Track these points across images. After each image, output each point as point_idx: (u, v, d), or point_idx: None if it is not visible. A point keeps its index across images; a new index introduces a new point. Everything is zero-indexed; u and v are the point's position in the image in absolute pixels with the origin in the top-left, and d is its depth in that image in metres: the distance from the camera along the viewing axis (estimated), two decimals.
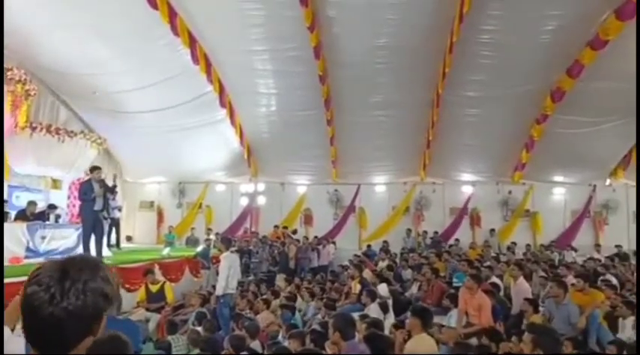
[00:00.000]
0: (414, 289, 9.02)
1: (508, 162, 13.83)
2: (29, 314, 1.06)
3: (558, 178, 14.29)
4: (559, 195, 14.57)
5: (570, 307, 5.60)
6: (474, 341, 5.35)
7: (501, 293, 7.80)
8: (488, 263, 9.81)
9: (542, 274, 8.73)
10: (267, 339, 5.98)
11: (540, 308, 6.20)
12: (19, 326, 2.55)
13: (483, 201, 14.69)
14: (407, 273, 10.33)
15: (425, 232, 14.74)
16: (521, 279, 7.34)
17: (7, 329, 2.02)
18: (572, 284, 6.50)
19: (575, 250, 13.28)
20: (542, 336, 3.22)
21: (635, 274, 9.16)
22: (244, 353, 4.85)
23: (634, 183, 13.45)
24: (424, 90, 11.42)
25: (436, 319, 6.36)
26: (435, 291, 7.82)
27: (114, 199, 10.43)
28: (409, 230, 14.80)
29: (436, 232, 14.59)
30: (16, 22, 9.09)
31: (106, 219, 9.10)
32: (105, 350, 1.46)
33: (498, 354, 4.60)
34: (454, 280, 8.62)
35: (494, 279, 8.19)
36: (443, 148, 13.24)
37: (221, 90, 11.92)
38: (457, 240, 14.21)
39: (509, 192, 14.61)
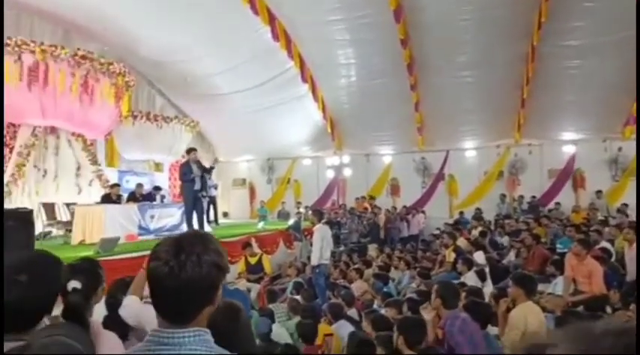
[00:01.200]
0: (511, 256, 8.61)
1: (616, 117, 12.44)
2: (154, 287, 1.17)
3: None
4: None
5: None
6: (580, 309, 5.02)
7: (613, 258, 7.19)
8: (596, 227, 9.03)
9: None
10: (363, 307, 6.09)
11: None
12: (145, 293, 2.84)
13: (588, 161, 13.42)
14: (503, 240, 9.87)
15: (521, 197, 13.90)
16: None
17: (137, 299, 2.25)
18: None
19: None
20: None
21: None
22: (342, 320, 4.99)
23: None
24: (516, 44, 10.56)
25: (540, 286, 6.02)
26: (537, 258, 7.39)
27: (210, 178, 11.09)
28: (503, 195, 14.04)
29: (534, 197, 13.69)
30: (111, 17, 9.86)
31: (204, 197, 9.71)
32: (224, 317, 1.57)
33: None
34: (558, 246, 8.07)
35: (604, 244, 7.55)
36: (540, 106, 12.23)
37: (302, 66, 12.03)
38: (558, 203, 13.23)
39: (619, 150, 13.18)
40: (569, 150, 13.69)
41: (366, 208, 14.27)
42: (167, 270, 1.11)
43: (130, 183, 11.55)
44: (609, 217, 11.48)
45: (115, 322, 2.22)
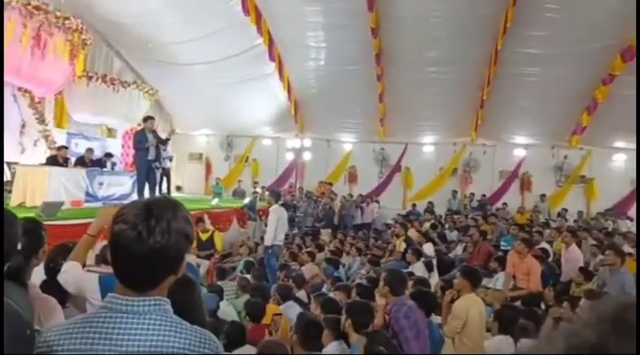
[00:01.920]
0: (458, 250, 8.95)
1: (566, 126, 13.09)
2: (117, 252, 1.11)
3: (620, 144, 13.42)
4: (619, 161, 13.72)
5: (626, 276, 5.37)
6: (518, 305, 5.29)
7: (550, 259, 7.62)
8: (537, 228, 9.53)
9: (593, 242, 8.40)
10: (312, 290, 6.15)
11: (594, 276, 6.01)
12: (88, 262, 2.72)
13: (536, 166, 14.11)
14: (452, 235, 10.23)
15: (472, 194, 14.44)
16: (574, 246, 7.11)
17: (78, 265, 2.15)
18: (629, 254, 6.23)
19: (632, 219, 12.63)
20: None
21: None
22: (291, 301, 5.02)
23: None
24: (482, 46, 10.82)
25: (483, 281, 6.32)
26: (482, 253, 7.73)
27: (165, 150, 10.76)
28: (455, 191, 14.52)
29: (484, 195, 14.26)
30: None
31: (157, 168, 9.42)
32: (181, 288, 1.52)
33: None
34: (502, 243, 8.47)
35: (544, 245, 7.99)
36: (497, 108, 12.65)
37: (270, 43, 11.78)
38: (505, 204, 13.85)
39: (565, 157, 13.93)
40: (519, 153, 14.32)
41: (323, 193, 14.36)
42: (134, 235, 1.06)
43: (79, 147, 10.99)
44: (550, 220, 12.13)
45: (52, 288, 2.12)
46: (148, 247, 1.06)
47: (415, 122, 14.07)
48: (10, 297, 0.91)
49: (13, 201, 7.35)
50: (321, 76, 13.05)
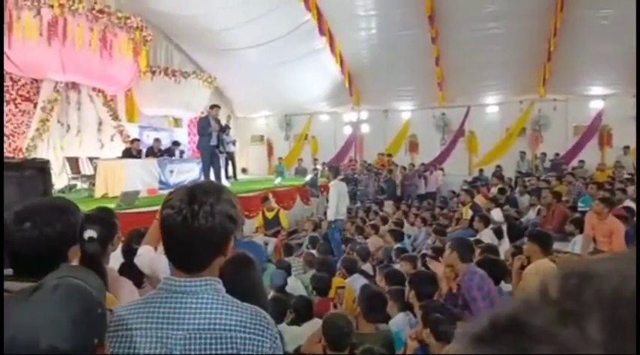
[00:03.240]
0: (531, 214, 8.53)
1: None
2: (166, 236, 1.18)
3: None
4: None
5: None
6: None
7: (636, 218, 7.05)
8: (620, 185, 8.82)
9: None
10: (378, 262, 6.18)
11: None
12: (160, 247, 2.92)
13: (616, 117, 12.93)
14: (524, 199, 9.75)
15: (543, 154, 13.59)
16: None
17: (151, 248, 2.31)
18: None
19: None
20: None
21: None
22: (356, 274, 5.09)
23: None
24: None
25: (558, 245, 6.00)
26: (557, 216, 7.29)
27: (227, 135, 11.12)
28: (523, 152, 13.75)
29: (557, 154, 13.37)
30: None
31: (221, 153, 9.79)
32: (234, 267, 1.60)
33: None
34: (579, 204, 7.94)
35: (628, 203, 7.39)
36: (567, 59, 11.68)
37: (319, 18, 11.66)
38: (582, 161, 12.89)
39: None
40: (596, 105, 13.21)
41: (383, 165, 14.21)
42: (180, 219, 1.12)
43: (150, 138, 11.66)
44: (635, 176, 11.17)
45: (130, 270, 2.29)
46: (192, 230, 1.11)
47: (476, 83, 13.39)
48: (83, 279, 1.01)
49: (97, 192, 8.02)
50: (373, 46, 12.75)
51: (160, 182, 8.82)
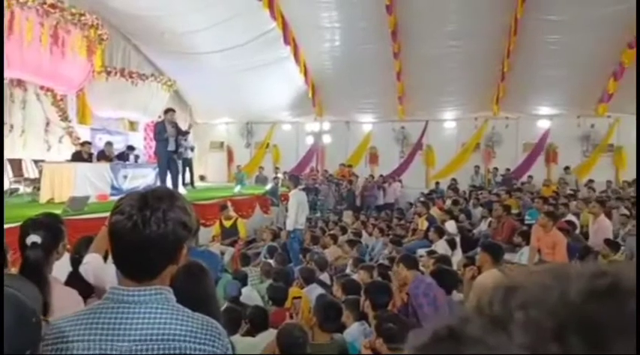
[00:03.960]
0: (482, 226, 8.85)
1: (592, 94, 12.63)
2: (115, 242, 1.13)
3: None
4: None
5: None
6: None
7: (577, 231, 7.46)
8: (563, 200, 9.31)
9: (625, 212, 8.16)
10: (336, 272, 6.21)
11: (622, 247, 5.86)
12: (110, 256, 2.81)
13: (561, 136, 13.71)
14: (477, 211, 10.10)
15: (495, 169, 14.17)
16: (602, 217, 6.93)
17: (98, 256, 2.21)
18: None
19: None
20: None
21: None
22: (314, 284, 5.08)
23: None
24: (501, 15, 10.47)
25: (507, 256, 6.22)
26: (506, 228, 7.61)
27: (186, 140, 10.90)
28: (477, 167, 14.29)
29: (508, 169, 13.97)
30: None
31: (179, 159, 9.59)
32: (186, 276, 1.56)
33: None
34: (527, 217, 8.32)
35: (571, 217, 7.81)
36: (519, 80, 12.28)
37: (284, 27, 11.69)
38: (530, 177, 13.54)
39: (592, 126, 13.49)
40: (543, 124, 13.94)
41: (344, 175, 14.35)
42: (130, 225, 1.08)
43: (102, 142, 11.24)
44: (577, 191, 11.83)
45: (78, 279, 2.19)
46: (143, 237, 1.08)
47: (435, 98, 13.82)
48: (17, 289, 0.96)
49: (42, 197, 7.61)
50: (336, 57, 12.91)
51: (112, 187, 8.50)
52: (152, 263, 1.13)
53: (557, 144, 13.83)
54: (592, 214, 7.16)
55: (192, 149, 12.72)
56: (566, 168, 13.35)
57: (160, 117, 12.50)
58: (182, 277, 1.42)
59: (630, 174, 12.98)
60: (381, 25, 11.01)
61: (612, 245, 5.74)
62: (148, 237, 1.08)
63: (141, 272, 1.13)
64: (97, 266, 2.12)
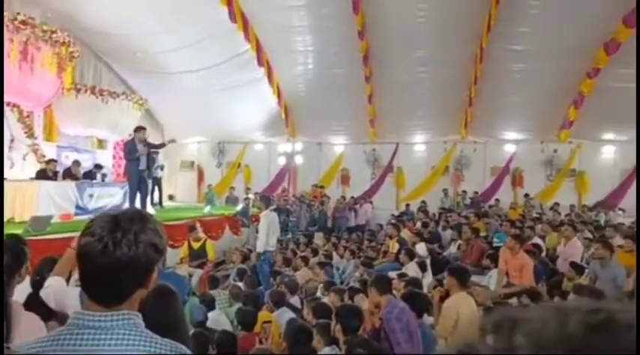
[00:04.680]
0: (452, 249, 8.97)
1: (554, 120, 13.18)
2: (84, 264, 1.10)
3: (608, 136, 13.55)
4: (608, 153, 13.85)
5: (617, 268, 5.40)
6: (513, 301, 5.31)
7: (543, 253, 7.66)
8: (529, 223, 9.58)
9: (588, 235, 8.45)
10: (306, 295, 6.15)
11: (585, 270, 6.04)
12: (74, 278, 2.71)
13: (526, 161, 14.20)
14: (446, 234, 10.25)
15: (464, 192, 14.49)
16: (575, 239, 7.14)
17: (61, 279, 2.14)
18: (620, 246, 6.27)
19: (623, 211, 12.74)
20: (588, 298, 3.14)
21: None
22: (284, 307, 5.02)
23: None
24: (468, 44, 10.89)
25: (475, 279, 6.34)
26: (475, 251, 7.74)
27: (156, 159, 10.73)
28: (446, 190, 14.58)
29: (476, 192, 14.31)
30: None
31: (149, 177, 9.40)
32: (155, 301, 1.52)
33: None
34: (494, 240, 8.49)
35: (537, 240, 8.03)
36: (486, 106, 12.73)
37: (258, 49, 11.80)
38: (497, 200, 13.90)
39: (555, 151, 14.03)
40: (509, 149, 14.41)
41: (316, 197, 14.37)
42: (100, 247, 1.06)
43: (69, 160, 10.94)
44: (543, 214, 12.19)
45: (38, 302, 2.10)
46: (114, 259, 1.05)
47: (405, 122, 14.13)
48: None
49: None
50: (310, 80, 13.09)
51: (77, 207, 8.25)
52: (122, 286, 1.10)
53: (522, 168, 14.29)
54: (564, 237, 7.38)
55: (161, 168, 12.51)
56: (526, 195, 13.78)
57: (130, 135, 12.30)
58: (151, 301, 1.39)
59: (592, 199, 13.54)
60: (353, 49, 11.26)
61: (577, 268, 5.90)
62: (119, 259, 1.06)
63: (109, 296, 1.10)
64: (60, 290, 2.04)
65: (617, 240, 6.96)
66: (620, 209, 12.90)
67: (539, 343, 0.40)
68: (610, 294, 4.93)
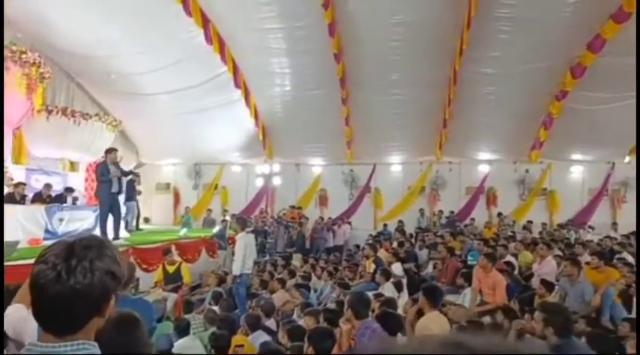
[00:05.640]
0: (429, 268, 9.02)
1: (525, 141, 13.58)
2: (36, 293, 1.07)
3: (576, 156, 14.01)
4: (577, 173, 14.30)
5: (584, 285, 5.54)
6: (487, 319, 5.35)
7: (516, 271, 7.77)
8: (503, 242, 9.73)
9: (558, 253, 8.63)
10: (283, 318, 6.07)
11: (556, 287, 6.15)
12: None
13: (500, 181, 14.52)
14: (423, 253, 10.32)
15: (440, 212, 14.67)
16: (550, 258, 7.28)
17: (22, 307, 2.07)
18: (588, 263, 6.43)
19: (592, 228, 13.10)
20: (553, 315, 3.19)
21: None
22: (259, 331, 4.94)
23: None
24: (441, 67, 11.19)
25: (451, 298, 6.39)
26: (450, 270, 7.81)
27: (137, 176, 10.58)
28: (422, 209, 14.74)
29: (452, 212, 14.50)
30: (29, 3, 9.15)
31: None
32: (115, 329, 1.49)
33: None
34: (469, 258, 8.59)
35: (509, 258, 8.15)
36: (460, 127, 13.02)
37: (235, 71, 11.88)
38: (472, 219, 14.12)
39: (527, 171, 14.40)
40: (484, 169, 14.72)
41: (294, 218, 14.31)
42: (54, 275, 1.03)
43: (39, 183, 10.65)
44: (515, 233, 12.41)
45: None
46: (67, 288, 1.03)
47: (381, 143, 14.32)
48: None
49: None
50: (287, 102, 13.18)
51: (47, 231, 8.02)
52: (76, 315, 1.07)
53: (496, 188, 14.59)
54: (540, 256, 7.53)
55: (139, 192, 12.30)
56: (499, 214, 14.06)
57: (102, 157, 12.10)
58: (111, 329, 1.36)
59: (563, 217, 13.88)
60: (330, 71, 11.43)
61: (547, 285, 6.01)
62: (73, 287, 1.04)
63: (63, 325, 1.07)
64: (19, 319, 1.98)
65: (586, 257, 7.12)
66: (589, 226, 13.25)
67: None
68: (578, 310, 5.04)
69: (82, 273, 1.05)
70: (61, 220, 8.40)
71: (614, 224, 13.35)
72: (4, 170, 10.10)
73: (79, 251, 1.08)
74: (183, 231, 11.31)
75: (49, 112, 10.91)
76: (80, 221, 8.94)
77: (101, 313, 1.11)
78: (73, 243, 1.11)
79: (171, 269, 7.98)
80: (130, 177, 9.38)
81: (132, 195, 11.88)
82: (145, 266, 8.21)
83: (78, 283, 1.04)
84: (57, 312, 1.07)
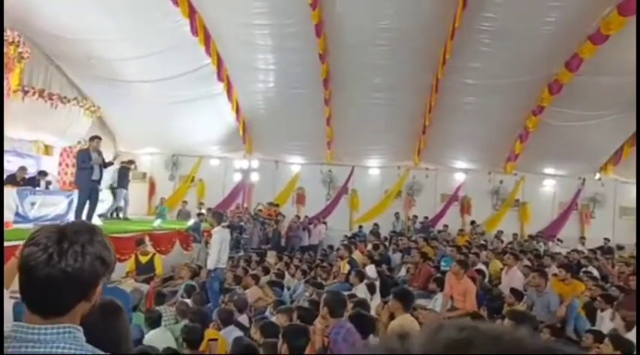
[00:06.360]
0: (402, 272, 9.16)
1: (501, 152, 13.91)
2: (26, 275, 1.08)
3: (549, 170, 14.45)
4: (549, 186, 14.75)
5: (551, 296, 5.74)
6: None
7: (486, 279, 7.97)
8: (475, 250, 9.96)
9: (527, 263, 8.88)
10: (255, 314, 6.08)
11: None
12: (10, 289, 2.57)
13: (474, 190, 14.85)
14: (396, 257, 10.47)
15: (415, 217, 14.88)
16: (515, 268, 7.49)
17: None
18: (555, 274, 6.65)
19: (561, 241, 13.52)
20: (520, 323, 3.32)
21: (615, 268, 9.38)
22: (231, 326, 4.94)
23: (623, 179, 13.64)
24: (424, 75, 11.36)
25: (422, 302, 6.52)
26: (422, 274, 7.95)
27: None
28: (397, 213, 14.94)
29: (426, 217, 14.73)
30: None
31: (100, 190, 9.10)
32: (101, 314, 1.49)
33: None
34: (442, 264, 8.75)
35: (480, 266, 8.35)
36: (438, 134, 13.26)
37: (219, 64, 11.78)
38: (446, 226, 14.37)
39: (501, 182, 14.76)
40: (459, 177, 15.01)
41: (270, 215, 14.29)
42: (45, 257, 1.03)
43: (11, 164, 10.34)
44: (487, 242, 12.72)
45: None
46: (58, 270, 1.03)
47: (361, 146, 14.44)
48: None
49: None
50: (269, 98, 13.15)
51: (17, 214, 7.80)
52: (64, 299, 1.08)
53: (470, 197, 14.90)
54: (506, 265, 7.74)
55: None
56: (472, 223, 14.38)
57: (79, 142, 11.81)
58: (96, 315, 1.37)
59: (533, 228, 14.29)
60: (314, 71, 11.47)
61: (516, 294, 6.19)
62: (63, 270, 1.04)
63: (51, 308, 1.07)
64: None
65: (553, 269, 7.37)
66: (558, 239, 13.68)
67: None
68: (544, 319, 5.22)
69: (73, 257, 1.06)
70: (32, 204, 8.19)
71: (582, 238, 13.83)
72: None
73: (70, 235, 1.08)
74: (157, 222, 11.17)
75: (25, 93, 10.58)
76: (53, 206, 8.74)
77: (88, 298, 1.12)
78: (65, 226, 1.12)
79: (144, 259, 7.87)
80: (109, 167, 9.24)
81: (124, 183, 11.77)
82: (117, 255, 8.03)
83: (69, 266, 1.05)
84: (46, 294, 1.07)
